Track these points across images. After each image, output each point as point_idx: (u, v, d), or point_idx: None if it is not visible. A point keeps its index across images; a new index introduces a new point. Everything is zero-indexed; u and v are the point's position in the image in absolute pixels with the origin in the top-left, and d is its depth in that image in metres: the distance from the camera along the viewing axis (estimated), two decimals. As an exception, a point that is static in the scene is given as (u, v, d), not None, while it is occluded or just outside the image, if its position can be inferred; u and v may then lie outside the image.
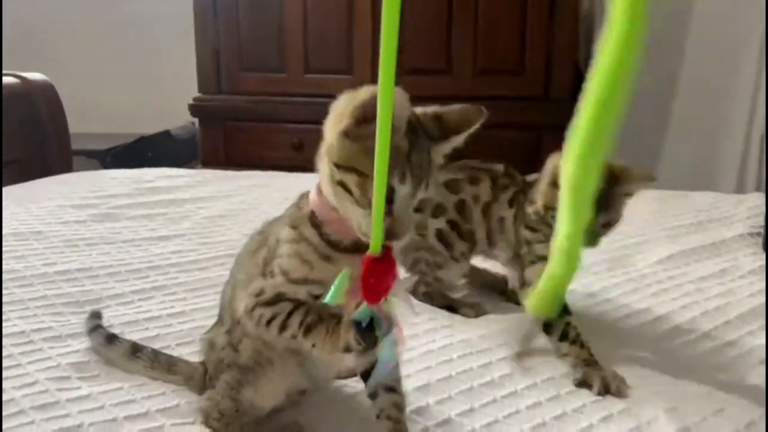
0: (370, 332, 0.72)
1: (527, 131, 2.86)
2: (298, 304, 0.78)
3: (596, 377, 0.99)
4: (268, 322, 0.79)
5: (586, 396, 0.97)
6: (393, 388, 0.84)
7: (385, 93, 0.60)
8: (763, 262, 1.49)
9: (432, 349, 1.10)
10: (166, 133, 3.46)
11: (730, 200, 2.09)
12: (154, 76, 3.64)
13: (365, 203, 0.69)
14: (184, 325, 1.19)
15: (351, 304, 0.72)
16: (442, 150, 0.76)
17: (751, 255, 1.57)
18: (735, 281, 1.40)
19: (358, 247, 0.73)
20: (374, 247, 0.69)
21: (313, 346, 0.77)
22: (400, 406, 0.84)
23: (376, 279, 0.70)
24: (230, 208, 1.93)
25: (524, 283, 1.17)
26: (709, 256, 1.55)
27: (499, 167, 1.28)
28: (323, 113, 0.78)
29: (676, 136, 3.09)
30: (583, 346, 1.05)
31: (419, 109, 0.75)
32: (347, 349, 0.75)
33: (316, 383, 0.93)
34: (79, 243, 1.57)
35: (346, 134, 0.69)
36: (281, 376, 0.86)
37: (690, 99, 3.04)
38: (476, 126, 0.76)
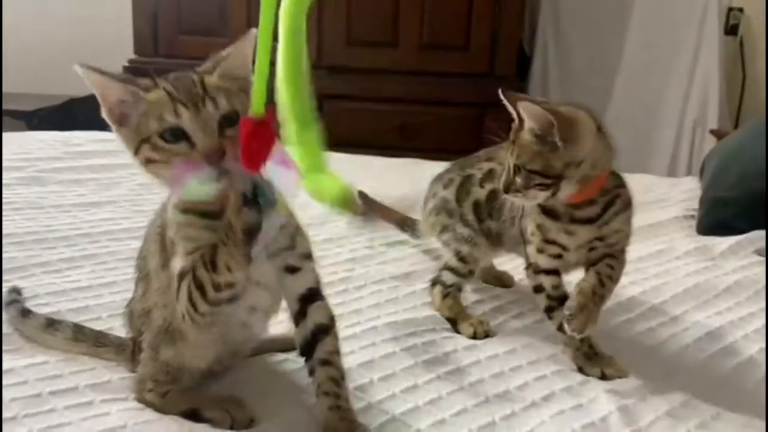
0: (255, 201, 0.70)
1: (471, 108, 2.85)
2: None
3: (595, 370, 0.98)
4: (192, 304, 0.76)
5: (528, 373, 0.97)
6: (328, 360, 0.83)
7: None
8: (698, 244, 1.53)
9: (376, 325, 1.08)
10: (99, 96, 3.30)
11: (665, 183, 2.15)
12: (87, 35, 3.46)
13: (168, 154, 0.73)
14: (115, 296, 1.13)
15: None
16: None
17: (686, 237, 1.61)
18: (671, 262, 1.44)
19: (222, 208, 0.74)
20: (257, 107, 0.69)
21: (230, 270, 0.73)
22: (337, 381, 0.82)
23: (257, 144, 0.69)
24: (166, 175, 1.85)
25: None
26: (646, 237, 1.58)
27: None
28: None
29: (613, 120, 3.16)
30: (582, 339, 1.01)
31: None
32: (250, 232, 0.70)
33: (237, 347, 0.90)
34: (3, 207, 1.48)
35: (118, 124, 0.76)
36: (198, 342, 0.83)
37: (627, 85, 3.11)
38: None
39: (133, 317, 0.90)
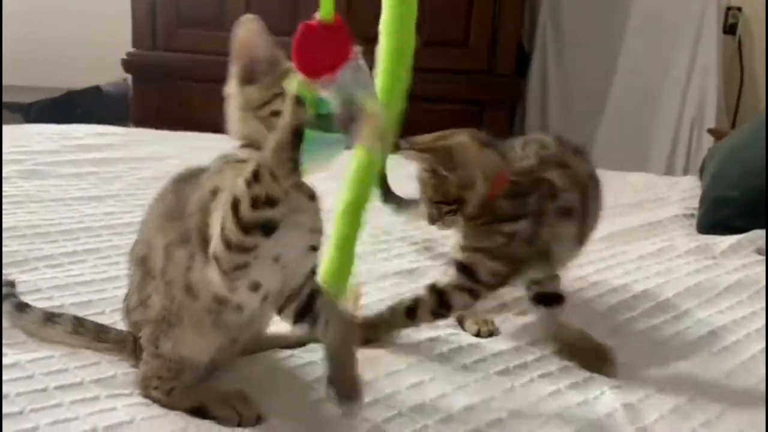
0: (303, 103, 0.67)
1: (470, 105, 2.86)
2: None
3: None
4: (225, 237, 0.73)
5: (533, 371, 0.98)
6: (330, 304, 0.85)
7: None
8: (698, 243, 1.54)
9: (381, 320, 1.08)
10: (96, 89, 3.29)
11: (664, 182, 2.16)
12: (86, 28, 3.44)
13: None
14: (118, 291, 1.11)
15: None
16: None
17: (686, 236, 1.61)
18: (672, 260, 1.44)
19: None
20: (325, 12, 0.67)
21: (275, 178, 0.69)
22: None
23: (317, 50, 0.66)
24: (167, 170, 1.82)
25: None
26: (647, 236, 1.59)
27: None
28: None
29: (611, 118, 3.16)
30: None
31: None
32: (296, 134, 0.67)
33: (237, 334, 0.87)
34: (3, 201, 1.47)
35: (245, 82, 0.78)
36: (196, 330, 0.82)
37: (625, 83, 3.12)
38: None
39: (129, 311, 0.89)
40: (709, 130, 2.91)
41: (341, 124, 0.69)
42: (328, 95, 0.68)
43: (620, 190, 1.97)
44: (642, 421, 0.87)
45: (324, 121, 0.68)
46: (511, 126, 2.98)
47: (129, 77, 3.10)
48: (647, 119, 3.14)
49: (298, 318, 0.85)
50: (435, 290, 1.02)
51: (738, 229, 1.58)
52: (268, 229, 0.73)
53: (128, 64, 2.99)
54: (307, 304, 0.84)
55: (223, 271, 0.75)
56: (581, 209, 1.03)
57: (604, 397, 0.92)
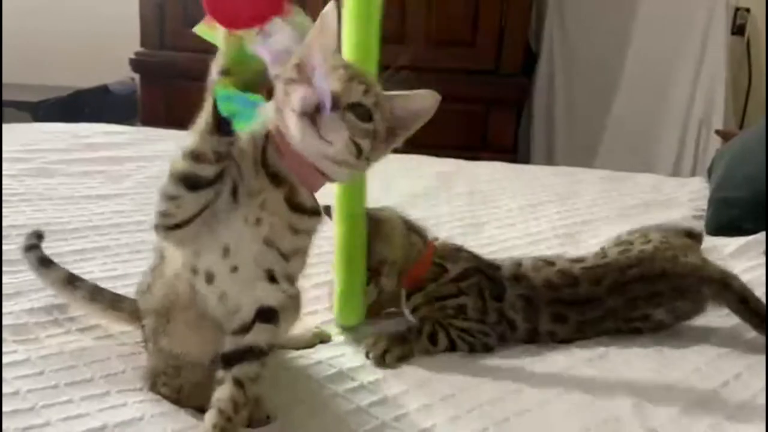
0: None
1: (475, 105, 2.86)
2: None
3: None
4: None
5: (540, 370, 0.98)
6: (241, 382, 0.76)
7: None
8: (706, 245, 1.52)
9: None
10: (104, 88, 3.30)
11: (672, 183, 2.15)
12: (94, 27, 3.45)
13: None
14: (127, 288, 1.11)
15: None
16: None
17: (694, 237, 1.61)
18: (680, 262, 1.43)
19: None
20: None
21: (200, 135, 0.71)
22: (237, 405, 0.75)
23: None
24: (175, 168, 1.85)
25: None
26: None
27: None
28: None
29: (618, 118, 3.16)
30: None
31: None
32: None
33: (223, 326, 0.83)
34: (11, 198, 1.48)
35: None
36: (187, 326, 0.81)
37: (633, 84, 3.11)
38: None
39: (140, 292, 0.88)
40: (717, 132, 2.90)
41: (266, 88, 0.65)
42: (261, 54, 0.64)
43: (628, 192, 1.96)
44: (650, 421, 0.87)
45: (252, 80, 0.64)
46: (518, 126, 2.98)
47: (137, 76, 3.11)
48: (654, 120, 3.13)
49: (223, 361, 0.77)
50: (443, 328, 1.03)
51: (746, 230, 1.58)
52: (191, 183, 0.72)
53: (136, 64, 3.00)
54: (238, 357, 0.77)
55: (155, 217, 0.75)
56: None
57: (612, 397, 0.92)
